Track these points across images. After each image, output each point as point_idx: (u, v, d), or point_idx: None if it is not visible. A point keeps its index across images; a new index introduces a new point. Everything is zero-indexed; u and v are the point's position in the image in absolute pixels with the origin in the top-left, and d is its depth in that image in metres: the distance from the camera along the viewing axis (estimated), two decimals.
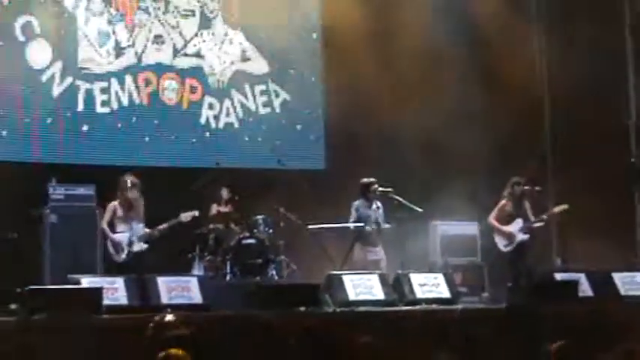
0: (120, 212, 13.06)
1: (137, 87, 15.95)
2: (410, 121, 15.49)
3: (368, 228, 13.76)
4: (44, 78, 15.23)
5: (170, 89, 16.21)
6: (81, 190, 13.75)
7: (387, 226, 13.89)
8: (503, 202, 14.14)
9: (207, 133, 16.28)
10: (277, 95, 16.99)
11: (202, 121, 16.42)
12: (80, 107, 15.43)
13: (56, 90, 15.32)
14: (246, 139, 16.43)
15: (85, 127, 15.32)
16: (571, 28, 15.41)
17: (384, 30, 15.97)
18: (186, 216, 13.26)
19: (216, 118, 16.54)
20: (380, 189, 13.92)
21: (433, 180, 15.24)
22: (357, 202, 13.97)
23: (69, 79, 15.40)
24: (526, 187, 14.15)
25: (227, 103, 16.62)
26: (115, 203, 13.09)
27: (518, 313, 5.79)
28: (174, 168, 15.45)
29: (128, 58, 15.91)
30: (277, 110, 16.90)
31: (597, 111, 15.39)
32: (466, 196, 14.99)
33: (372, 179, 14.01)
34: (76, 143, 15.16)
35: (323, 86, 16.88)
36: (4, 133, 14.61)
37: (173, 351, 5.01)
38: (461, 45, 16.16)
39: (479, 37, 16.06)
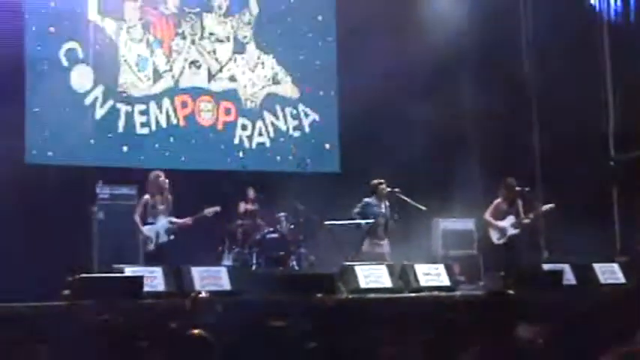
0: (150, 205, 12.92)
1: (174, 109, 15.63)
2: (415, 131, 15.51)
3: (378, 221, 13.80)
4: (87, 101, 14.96)
5: (205, 111, 15.88)
6: (125, 190, 13.76)
7: (392, 222, 13.95)
8: (498, 200, 14.12)
9: (241, 153, 16.00)
10: (307, 116, 16.67)
11: (236, 141, 16.10)
12: (120, 129, 15.18)
13: (98, 112, 15.05)
14: (278, 158, 16.15)
15: (125, 148, 15.05)
16: (556, 46, 15.40)
17: (393, 42, 15.96)
18: (209, 211, 13.15)
19: (249, 138, 16.21)
20: (388, 189, 13.97)
21: (435, 182, 15.23)
22: (367, 199, 14.00)
23: (110, 102, 15.12)
24: (518, 188, 14.15)
25: (259, 124, 16.29)
26: (147, 197, 12.96)
27: (495, 298, 5.76)
28: (206, 171, 15.23)
29: (166, 82, 15.60)
30: (307, 130, 16.59)
31: (581, 119, 15.37)
32: (464, 196, 15.04)
33: (381, 180, 14.06)
34: (118, 157, 14.93)
35: (338, 97, 16.63)
36: (50, 153, 14.36)
37: (197, 331, 5.01)
38: (463, 60, 16.16)
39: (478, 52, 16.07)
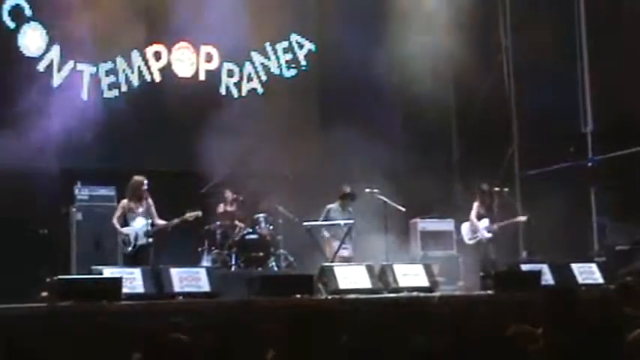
0: (129, 209, 12.78)
1: (146, 63, 14.49)
2: (395, 131, 15.58)
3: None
4: (41, 67, 13.80)
5: (183, 60, 14.73)
6: (103, 191, 13.73)
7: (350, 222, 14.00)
8: (476, 203, 14.25)
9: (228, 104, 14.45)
10: (301, 47, 15.61)
11: (222, 91, 15.12)
12: (85, 95, 14.02)
13: (56, 79, 13.89)
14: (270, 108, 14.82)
15: (93, 123, 13.44)
16: (535, 49, 15.48)
17: (372, 51, 15.98)
18: (190, 215, 13.09)
19: (237, 85, 15.27)
20: (367, 190, 14.04)
21: (414, 183, 15.27)
22: (330, 206, 14.15)
23: (69, 64, 13.89)
24: (497, 189, 14.25)
25: (248, 67, 15.29)
26: (125, 201, 12.81)
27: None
28: (185, 171, 14.83)
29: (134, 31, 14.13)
30: (302, 63, 15.51)
31: (559, 120, 15.46)
32: (443, 197, 15.13)
33: (348, 188, 14.15)
34: (97, 149, 14.22)
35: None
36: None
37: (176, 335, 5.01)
38: (445, 62, 16.21)
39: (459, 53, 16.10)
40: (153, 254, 12.73)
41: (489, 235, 14.07)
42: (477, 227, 14.11)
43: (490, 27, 16.46)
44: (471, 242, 14.19)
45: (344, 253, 13.93)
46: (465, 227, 14.26)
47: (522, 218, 14.33)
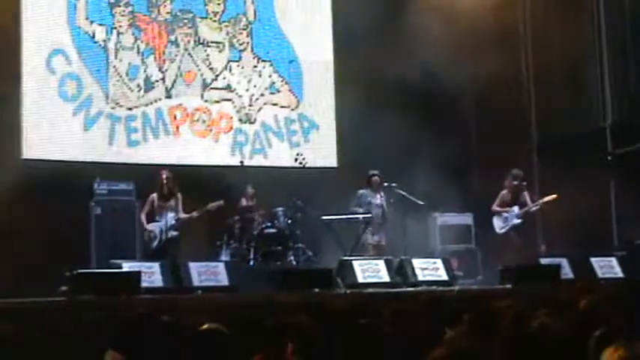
0: (157, 203, 13.09)
1: (167, 120, 15.13)
2: (413, 125, 15.54)
3: (374, 212, 13.90)
4: (75, 111, 14.50)
5: (200, 122, 15.36)
6: (122, 186, 13.77)
7: (389, 212, 14.04)
8: (503, 192, 14.19)
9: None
10: (305, 123, 16.26)
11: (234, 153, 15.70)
12: (110, 141, 14.73)
13: (87, 124, 14.57)
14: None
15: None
16: (553, 41, 15.42)
17: (391, 45, 15.93)
18: (213, 205, 13.24)
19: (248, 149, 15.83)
20: (385, 183, 14.04)
21: (433, 177, 15.23)
22: (361, 191, 14.21)
23: (99, 113, 14.62)
24: (515, 182, 14.19)
25: (257, 134, 15.87)
26: (154, 195, 13.13)
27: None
28: (206, 166, 15.09)
29: (158, 92, 15.05)
30: (307, 138, 16.19)
31: (578, 113, 15.40)
32: (461, 190, 15.09)
33: (374, 171, 14.18)
34: (116, 143, 14.76)
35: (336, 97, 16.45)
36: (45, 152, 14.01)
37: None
38: (459, 54, 16.16)
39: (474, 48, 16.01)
40: (179, 247, 12.88)
41: (519, 221, 13.98)
42: (506, 215, 14.03)
43: (510, 23, 16.37)
44: (502, 231, 14.08)
45: (376, 240, 14.04)
46: (496, 218, 14.16)
47: (552, 196, 14.15)
